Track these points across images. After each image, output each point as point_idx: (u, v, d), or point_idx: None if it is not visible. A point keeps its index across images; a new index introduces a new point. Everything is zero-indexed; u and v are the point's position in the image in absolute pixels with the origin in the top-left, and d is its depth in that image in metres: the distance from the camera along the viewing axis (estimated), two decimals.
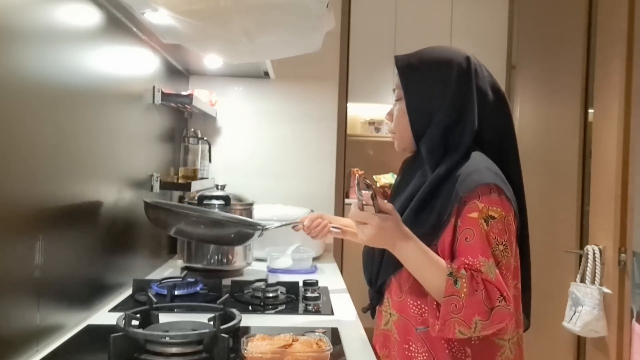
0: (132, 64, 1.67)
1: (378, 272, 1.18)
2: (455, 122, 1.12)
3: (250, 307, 1.51)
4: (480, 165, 1.08)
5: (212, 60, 2.12)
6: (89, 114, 1.35)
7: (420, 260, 1.04)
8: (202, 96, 2.33)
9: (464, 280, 0.98)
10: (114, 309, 1.43)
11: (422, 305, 1.09)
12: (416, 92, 1.15)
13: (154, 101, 1.86)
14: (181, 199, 2.33)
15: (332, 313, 1.47)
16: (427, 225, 1.08)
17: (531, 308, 1.21)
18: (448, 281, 0.98)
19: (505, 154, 1.17)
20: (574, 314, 2.27)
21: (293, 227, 1.58)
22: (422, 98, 1.14)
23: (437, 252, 1.06)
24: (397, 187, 1.27)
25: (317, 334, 1.08)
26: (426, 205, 1.10)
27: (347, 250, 3.41)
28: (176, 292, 1.52)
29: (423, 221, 1.09)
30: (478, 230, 1.02)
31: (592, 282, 2.27)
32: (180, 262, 2.00)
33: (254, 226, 1.62)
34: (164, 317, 1.22)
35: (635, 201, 2.18)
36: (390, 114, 1.24)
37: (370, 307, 1.25)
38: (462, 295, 0.97)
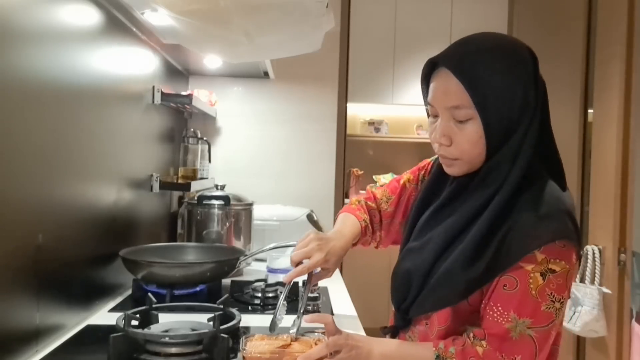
0: (131, 64, 1.67)
1: (412, 303, 1.02)
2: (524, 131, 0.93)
3: (249, 307, 1.51)
4: (553, 205, 0.91)
5: (212, 60, 2.12)
6: (88, 114, 1.35)
7: (402, 352, 0.97)
8: (202, 96, 2.33)
9: None
10: (114, 309, 1.43)
11: None
12: (497, 110, 0.91)
13: (153, 101, 1.86)
14: (181, 199, 2.33)
15: (332, 313, 1.47)
16: (482, 267, 0.91)
17: None
18: None
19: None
20: (574, 314, 2.27)
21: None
22: (504, 114, 0.91)
23: (481, 292, 0.93)
24: (440, 209, 1.04)
25: (316, 334, 1.08)
26: (491, 237, 0.91)
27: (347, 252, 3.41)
28: (176, 292, 1.52)
29: (486, 257, 0.91)
30: (524, 282, 0.88)
31: (592, 282, 2.27)
32: None
33: (225, 262, 1.59)
34: (163, 317, 1.22)
35: (635, 201, 2.18)
36: (447, 137, 0.95)
37: (392, 330, 1.09)
38: None
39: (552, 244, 0.88)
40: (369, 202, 1.28)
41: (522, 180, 0.92)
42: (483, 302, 0.93)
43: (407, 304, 1.02)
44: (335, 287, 1.77)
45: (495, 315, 0.90)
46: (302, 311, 1.07)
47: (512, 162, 0.92)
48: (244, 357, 0.99)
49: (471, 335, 0.92)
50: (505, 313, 0.89)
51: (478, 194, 0.95)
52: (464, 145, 0.94)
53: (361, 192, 4.11)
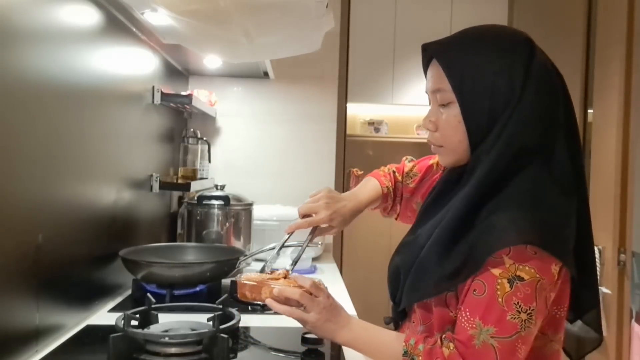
0: (131, 64, 1.67)
1: (402, 292, 1.01)
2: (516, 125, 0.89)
3: (249, 308, 1.51)
4: (531, 208, 0.87)
5: (211, 61, 2.12)
6: (88, 114, 1.35)
7: (371, 338, 0.99)
8: (202, 96, 2.33)
9: (420, 358, 0.88)
10: (114, 309, 1.43)
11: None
12: (474, 94, 0.90)
13: (153, 101, 1.86)
14: (181, 199, 2.33)
15: None
16: (456, 264, 0.88)
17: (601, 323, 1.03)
18: None
19: (576, 171, 0.93)
20: None
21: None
22: (484, 100, 0.90)
23: (457, 297, 0.90)
24: (432, 204, 1.05)
25: (318, 279, 1.07)
26: (461, 234, 0.89)
27: (346, 250, 3.41)
28: (175, 292, 1.52)
29: (456, 255, 0.88)
30: (492, 288, 0.84)
31: None
32: None
33: (226, 262, 1.58)
34: (163, 318, 1.22)
35: (634, 201, 2.18)
36: (432, 122, 0.97)
37: (392, 321, 1.10)
38: None
39: (521, 248, 0.83)
40: (397, 174, 1.29)
41: (498, 176, 0.88)
42: (458, 307, 0.90)
43: (398, 297, 1.02)
44: (336, 288, 1.77)
45: (463, 320, 0.87)
46: (297, 259, 1.12)
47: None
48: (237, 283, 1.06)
49: (443, 336, 0.90)
50: (472, 319, 0.85)
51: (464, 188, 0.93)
52: (446, 130, 0.95)
53: None
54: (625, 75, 2.19)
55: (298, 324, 1.34)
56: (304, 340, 1.13)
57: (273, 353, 1.18)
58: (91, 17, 1.35)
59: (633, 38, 2.17)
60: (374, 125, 4.45)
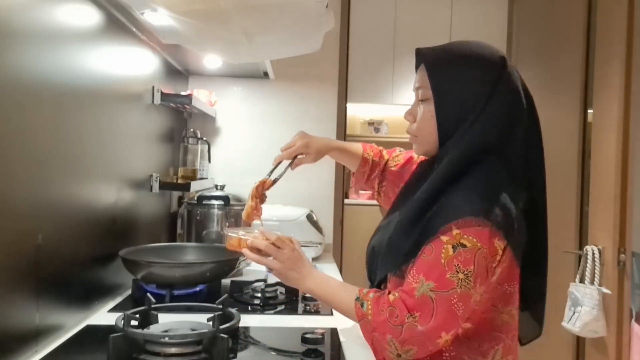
0: (131, 64, 1.67)
1: (377, 267, 1.14)
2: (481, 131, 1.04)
3: (249, 308, 1.51)
4: (474, 189, 1.01)
5: (211, 61, 2.12)
6: (88, 114, 1.35)
7: (330, 287, 1.16)
8: (202, 96, 2.33)
9: (369, 303, 1.03)
10: (113, 309, 1.43)
11: None
12: (448, 94, 1.06)
13: (153, 101, 1.86)
14: (180, 199, 2.33)
15: (331, 313, 1.47)
16: (418, 233, 1.02)
17: (544, 317, 1.17)
18: (356, 305, 1.05)
19: (531, 170, 1.09)
20: (574, 314, 2.28)
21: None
22: (455, 101, 1.05)
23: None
24: (405, 190, 1.20)
25: (290, 235, 1.25)
26: (424, 213, 1.03)
27: (346, 250, 3.41)
28: (175, 292, 1.52)
29: (417, 229, 1.03)
30: (438, 251, 0.98)
31: (592, 282, 2.27)
32: None
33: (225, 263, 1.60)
34: (163, 318, 1.22)
35: (634, 202, 2.18)
36: (412, 114, 1.14)
37: None
38: (370, 317, 1.02)
39: (469, 220, 0.97)
40: (385, 153, 1.51)
41: (461, 167, 1.03)
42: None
43: (374, 269, 1.16)
44: None
45: (410, 277, 1.00)
46: (279, 177, 1.39)
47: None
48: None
49: (391, 291, 1.04)
50: (417, 275, 0.99)
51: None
52: (421, 122, 1.11)
53: (361, 192, 4.11)
54: (625, 75, 2.19)
55: (298, 324, 1.35)
56: (304, 340, 1.13)
57: (273, 353, 1.18)
58: (91, 17, 1.35)
59: (633, 38, 2.17)
60: (374, 125, 4.45)
